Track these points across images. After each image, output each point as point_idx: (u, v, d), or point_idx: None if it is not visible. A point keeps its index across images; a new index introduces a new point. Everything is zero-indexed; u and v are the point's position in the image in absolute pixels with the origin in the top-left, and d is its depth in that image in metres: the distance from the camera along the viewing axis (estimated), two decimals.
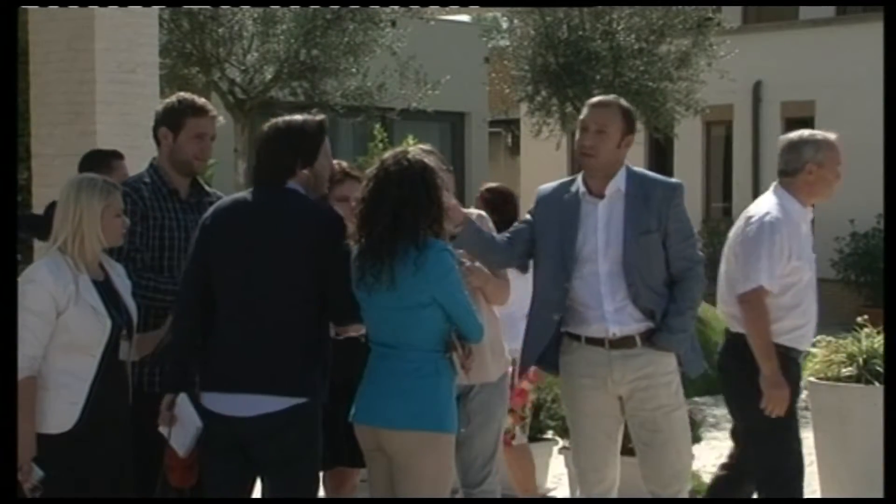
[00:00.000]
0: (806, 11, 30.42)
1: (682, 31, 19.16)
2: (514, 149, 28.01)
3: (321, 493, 6.38)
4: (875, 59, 26.19)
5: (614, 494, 6.11)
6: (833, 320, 8.50)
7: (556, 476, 9.23)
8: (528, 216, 6.28)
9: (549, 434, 9.04)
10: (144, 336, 5.46)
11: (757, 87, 26.16)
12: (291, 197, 5.26)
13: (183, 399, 5.22)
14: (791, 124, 26.37)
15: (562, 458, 9.02)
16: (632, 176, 6.06)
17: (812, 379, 8.20)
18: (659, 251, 5.92)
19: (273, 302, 5.17)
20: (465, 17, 26.04)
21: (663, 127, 21.88)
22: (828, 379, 8.14)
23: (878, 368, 7.84)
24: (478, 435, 6.20)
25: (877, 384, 7.82)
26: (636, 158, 26.62)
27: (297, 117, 5.40)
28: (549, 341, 6.05)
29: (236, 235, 5.25)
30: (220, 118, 5.96)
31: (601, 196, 5.96)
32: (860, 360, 7.98)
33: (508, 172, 27.66)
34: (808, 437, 8.65)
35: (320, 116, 5.45)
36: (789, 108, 26.38)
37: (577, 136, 6.11)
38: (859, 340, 8.14)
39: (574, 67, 18.88)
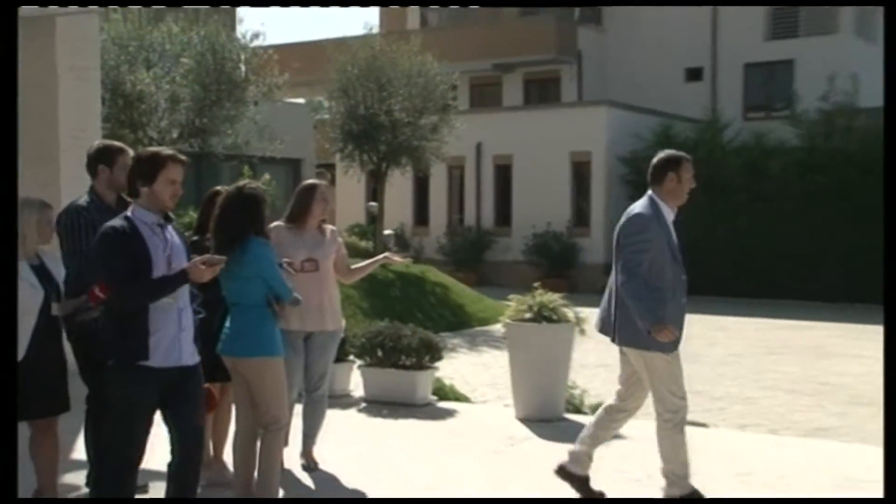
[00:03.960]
0: (508, 100, 31.20)
1: (433, 111, 19.29)
2: (333, 181, 27.90)
3: None
4: (548, 131, 26.94)
5: None
6: (522, 285, 8.65)
7: (356, 384, 9.13)
8: (648, 236, 5.38)
9: (351, 357, 9.03)
10: (66, 302, 5.17)
11: (479, 146, 26.56)
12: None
13: None
14: (499, 169, 27.00)
15: (360, 372, 9.01)
16: None
17: (507, 321, 8.23)
18: None
19: None
20: (300, 100, 25.84)
21: (423, 169, 22.07)
22: (517, 321, 8.11)
23: (545, 314, 7.93)
24: (316, 362, 6.18)
25: (544, 323, 7.92)
26: (407, 190, 26.95)
27: (147, 149, 4.89)
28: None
29: None
30: (132, 152, 5.74)
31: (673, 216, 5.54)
32: (535, 309, 7.99)
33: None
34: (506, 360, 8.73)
35: (165, 150, 4.73)
36: (497, 158, 26.89)
37: (685, 181, 5.50)
38: (535, 297, 8.11)
39: (368, 133, 18.90)
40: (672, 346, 5.34)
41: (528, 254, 24.96)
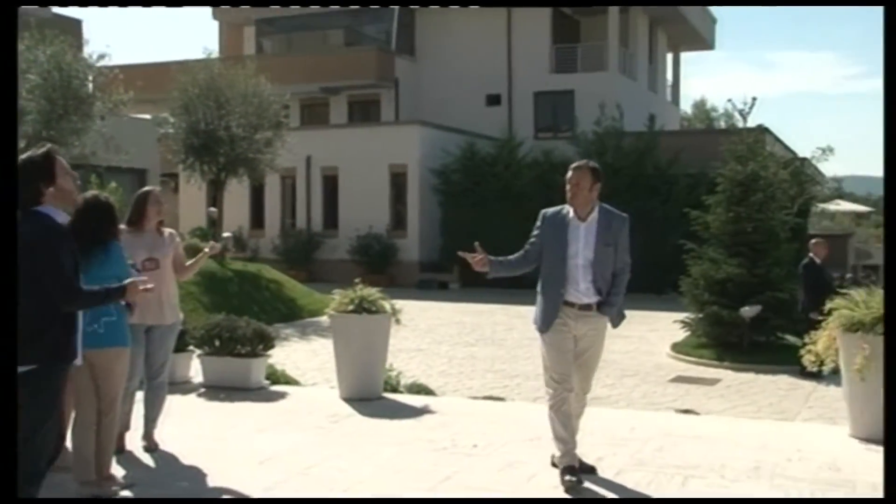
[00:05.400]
0: (334, 119, 30.99)
1: (267, 127, 18.83)
2: (176, 189, 26.89)
3: None
4: (370, 146, 26.90)
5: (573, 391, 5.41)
6: (348, 281, 8.50)
7: (195, 371, 8.82)
8: (536, 232, 5.42)
9: (191, 347, 8.71)
10: None
11: (309, 158, 26.26)
12: (28, 217, 3.98)
13: None
14: (326, 179, 26.75)
15: (199, 361, 8.69)
16: (602, 210, 5.36)
17: (332, 312, 8.08)
18: (612, 257, 5.36)
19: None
20: (146, 116, 24.66)
21: (259, 179, 21.60)
22: (340, 312, 7.93)
23: (365, 306, 7.84)
24: (157, 352, 6.01)
25: (364, 314, 7.83)
26: (244, 197, 26.25)
27: (26, 154, 4.13)
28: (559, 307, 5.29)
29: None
30: None
31: (583, 220, 5.33)
32: (356, 302, 7.88)
33: (172, 204, 26.43)
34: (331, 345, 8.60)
35: (45, 147, 4.18)
36: (325, 170, 26.67)
37: (568, 190, 5.31)
38: (356, 291, 7.96)
39: (208, 146, 18.27)
40: (542, 326, 5.37)
41: (352, 253, 24.87)
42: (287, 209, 27.66)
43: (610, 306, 5.37)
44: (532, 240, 5.45)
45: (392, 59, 30.31)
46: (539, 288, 5.43)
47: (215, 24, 35.22)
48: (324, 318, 14.39)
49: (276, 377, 8.79)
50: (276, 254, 25.68)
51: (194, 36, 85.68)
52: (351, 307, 7.90)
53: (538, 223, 5.44)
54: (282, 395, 8.07)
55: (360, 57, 29.99)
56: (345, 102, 31.25)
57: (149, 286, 4.47)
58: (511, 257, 5.53)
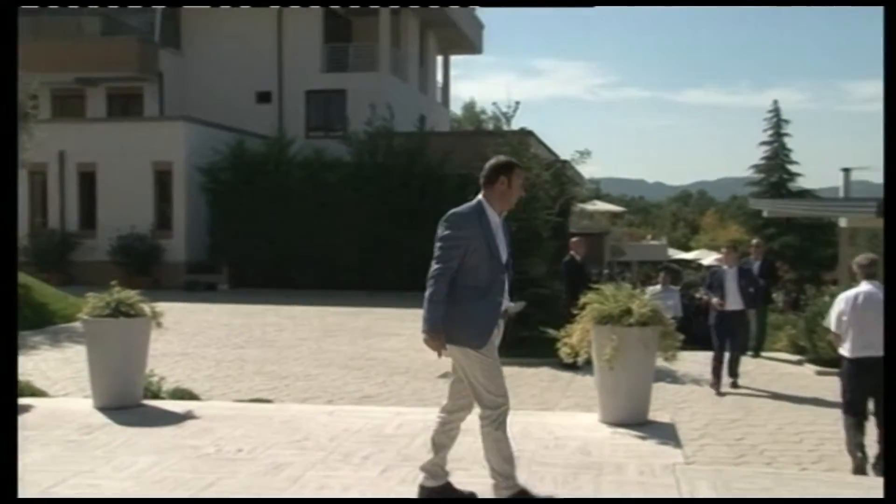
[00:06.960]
0: (91, 112, 29.30)
1: None
2: None
3: None
4: (131, 141, 25.67)
5: None
6: (106, 284, 7.91)
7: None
8: (456, 242, 4.61)
9: None
10: None
11: (62, 153, 24.72)
12: None
13: None
14: (83, 176, 25.27)
15: None
16: None
17: (85, 317, 7.52)
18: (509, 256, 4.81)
19: None
20: None
21: None
22: (95, 317, 7.41)
23: (122, 309, 7.40)
24: None
25: (122, 318, 7.39)
26: None
27: None
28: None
29: None
30: None
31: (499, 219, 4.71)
32: (112, 305, 7.36)
33: None
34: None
35: None
36: (81, 166, 25.26)
37: (515, 186, 4.72)
38: (112, 294, 7.42)
39: None
40: (482, 342, 4.75)
41: (113, 254, 23.64)
42: (37, 207, 25.82)
43: (512, 301, 5.05)
44: (452, 250, 4.64)
45: (156, 52, 29.06)
46: (469, 298, 4.70)
47: None
48: (78, 324, 13.50)
49: (20, 389, 8.13)
50: (25, 256, 23.80)
51: None
52: (107, 311, 7.46)
53: (457, 227, 4.67)
54: (25, 409, 7.44)
55: (120, 47, 28.53)
56: (104, 95, 29.61)
57: None
58: (444, 290, 4.71)
